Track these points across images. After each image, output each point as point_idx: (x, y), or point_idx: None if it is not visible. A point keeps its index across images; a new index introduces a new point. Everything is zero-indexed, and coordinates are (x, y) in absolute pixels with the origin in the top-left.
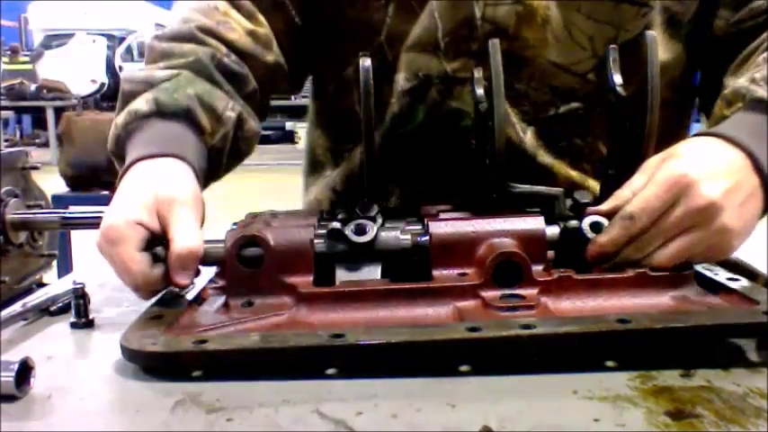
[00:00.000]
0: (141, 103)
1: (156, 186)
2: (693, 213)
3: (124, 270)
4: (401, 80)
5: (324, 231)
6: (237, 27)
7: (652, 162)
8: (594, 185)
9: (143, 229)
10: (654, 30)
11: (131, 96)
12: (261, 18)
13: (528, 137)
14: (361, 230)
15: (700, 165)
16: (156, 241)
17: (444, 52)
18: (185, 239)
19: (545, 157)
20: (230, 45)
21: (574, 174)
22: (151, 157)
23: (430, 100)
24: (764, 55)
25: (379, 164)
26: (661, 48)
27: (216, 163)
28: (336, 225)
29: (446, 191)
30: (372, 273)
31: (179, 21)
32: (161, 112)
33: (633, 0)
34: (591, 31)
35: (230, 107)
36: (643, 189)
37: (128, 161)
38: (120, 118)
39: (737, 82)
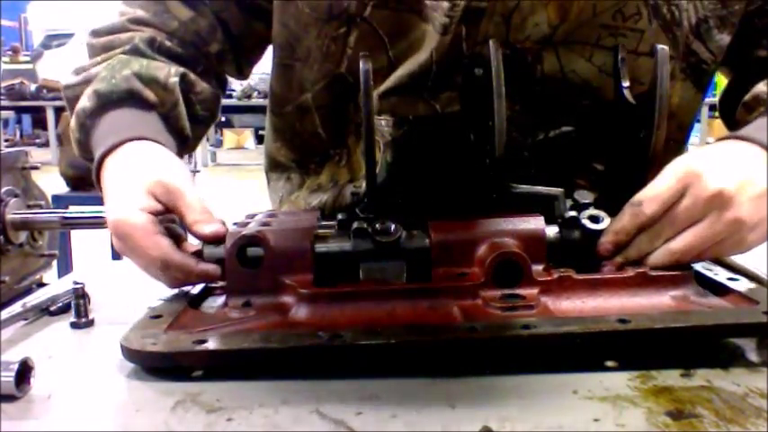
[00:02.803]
0: (84, 101)
1: (138, 171)
2: (702, 202)
3: (150, 260)
4: (385, 127)
5: (323, 231)
6: (177, 16)
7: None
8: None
9: (149, 214)
10: (674, 80)
11: (75, 100)
12: (204, 5)
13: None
14: (385, 230)
15: (712, 157)
16: (166, 221)
17: (431, 91)
18: (196, 200)
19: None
20: (170, 35)
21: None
22: (115, 148)
23: (423, 142)
24: None
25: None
26: (677, 93)
27: (178, 131)
28: (362, 225)
29: (446, 192)
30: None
31: (116, 14)
32: (104, 103)
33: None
34: (597, 81)
35: (173, 73)
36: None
37: (96, 160)
38: (72, 123)
39: (758, 87)
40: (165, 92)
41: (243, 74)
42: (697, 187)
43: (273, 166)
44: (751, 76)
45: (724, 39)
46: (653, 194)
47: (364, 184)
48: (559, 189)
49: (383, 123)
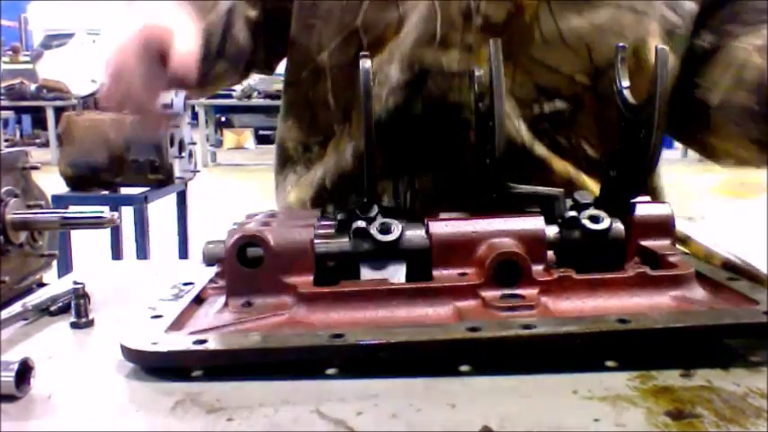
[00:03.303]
0: None
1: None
2: None
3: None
4: (394, 73)
5: (323, 231)
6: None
7: None
8: (589, 182)
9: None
10: (654, 40)
11: None
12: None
13: (523, 130)
14: (386, 229)
15: None
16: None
17: (440, 44)
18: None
19: (541, 150)
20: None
21: (570, 169)
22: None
23: (427, 93)
24: None
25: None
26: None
27: (205, 52)
28: (361, 224)
29: (443, 187)
30: (397, 272)
31: None
32: None
33: (634, 8)
34: (589, 37)
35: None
36: None
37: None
38: None
39: None
40: (212, 10)
41: (270, 66)
42: None
43: (283, 162)
44: (691, 67)
45: (692, 7)
46: None
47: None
48: (559, 189)
49: (392, 70)
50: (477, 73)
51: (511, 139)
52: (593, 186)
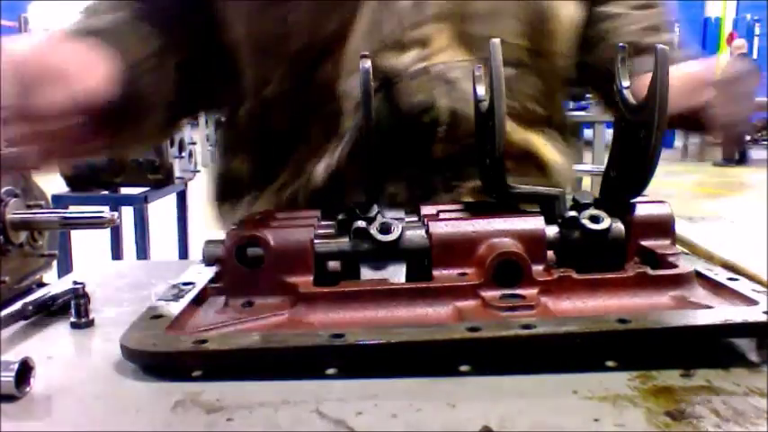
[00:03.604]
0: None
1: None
2: None
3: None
4: (355, 88)
5: (323, 231)
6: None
7: None
8: (538, 141)
9: None
10: None
11: None
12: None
13: None
14: (386, 229)
15: None
16: None
17: (397, 47)
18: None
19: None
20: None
21: (526, 134)
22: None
23: (395, 99)
24: None
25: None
26: (572, 4)
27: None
28: (362, 224)
29: (416, 191)
30: (397, 272)
31: None
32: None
33: None
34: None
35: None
36: None
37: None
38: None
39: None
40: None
41: (196, 113)
42: None
43: (228, 191)
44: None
45: None
46: None
47: (336, 156)
48: (560, 189)
49: (349, 84)
50: (476, 73)
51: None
52: (546, 148)
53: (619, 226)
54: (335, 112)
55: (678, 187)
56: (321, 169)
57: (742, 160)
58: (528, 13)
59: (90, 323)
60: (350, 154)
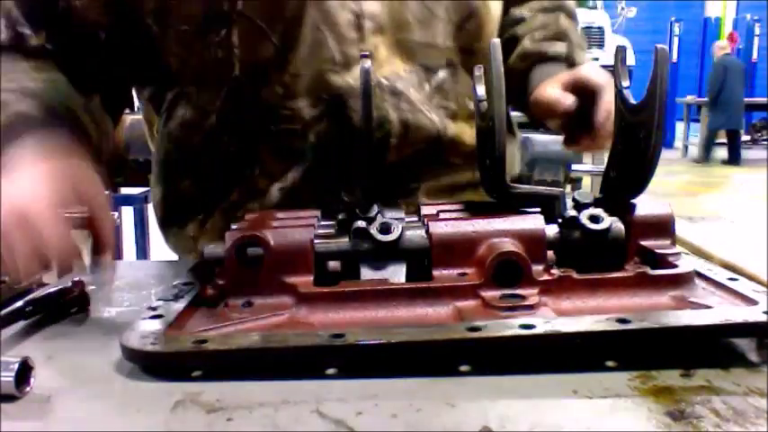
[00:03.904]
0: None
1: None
2: None
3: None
4: (304, 107)
5: (323, 231)
6: None
7: None
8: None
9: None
10: None
11: None
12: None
13: (434, 115)
14: (386, 229)
15: None
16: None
17: (342, 65)
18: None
19: (449, 125)
20: None
21: (463, 129)
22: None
23: (344, 118)
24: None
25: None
26: (498, 4)
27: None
28: (362, 224)
29: (374, 196)
30: (397, 272)
31: None
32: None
33: None
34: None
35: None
36: None
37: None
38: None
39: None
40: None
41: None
42: None
43: (173, 214)
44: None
45: None
46: None
47: (289, 177)
48: (560, 189)
49: (300, 105)
50: (476, 73)
51: (431, 131)
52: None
53: (619, 226)
54: (285, 132)
55: (666, 186)
56: (275, 190)
57: (733, 160)
58: (459, 14)
59: (90, 323)
60: (305, 175)
